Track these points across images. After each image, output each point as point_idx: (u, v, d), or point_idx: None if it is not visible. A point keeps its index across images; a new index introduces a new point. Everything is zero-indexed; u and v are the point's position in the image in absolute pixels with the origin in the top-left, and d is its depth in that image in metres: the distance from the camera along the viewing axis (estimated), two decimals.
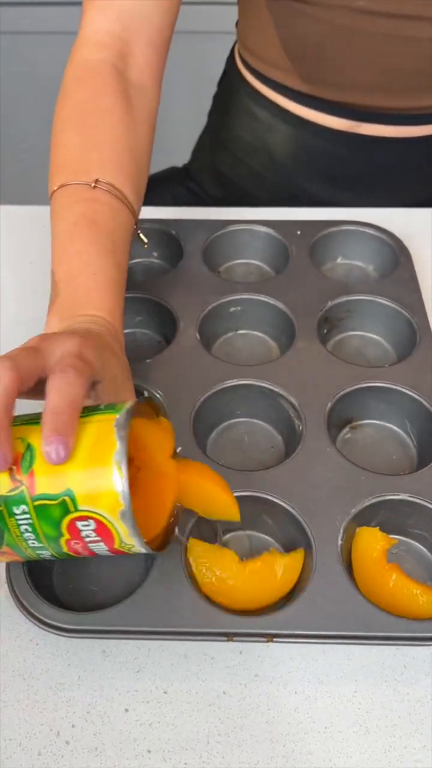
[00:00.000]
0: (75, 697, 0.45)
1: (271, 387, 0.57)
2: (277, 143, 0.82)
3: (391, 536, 0.51)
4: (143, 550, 0.39)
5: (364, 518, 0.50)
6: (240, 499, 0.50)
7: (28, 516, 0.37)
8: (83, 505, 0.37)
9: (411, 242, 0.71)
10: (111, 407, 0.39)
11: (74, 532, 0.38)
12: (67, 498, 0.36)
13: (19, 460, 0.37)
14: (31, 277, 0.71)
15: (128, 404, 0.39)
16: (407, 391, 0.56)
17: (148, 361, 0.59)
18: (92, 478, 0.36)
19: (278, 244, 0.70)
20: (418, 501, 0.50)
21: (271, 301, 0.64)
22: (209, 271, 0.67)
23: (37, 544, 0.39)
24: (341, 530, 0.48)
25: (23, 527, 0.38)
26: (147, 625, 0.44)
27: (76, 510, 0.37)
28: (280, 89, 0.78)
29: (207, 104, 0.96)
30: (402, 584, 0.46)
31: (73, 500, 0.37)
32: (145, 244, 0.62)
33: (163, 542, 0.42)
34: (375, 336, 0.65)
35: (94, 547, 0.39)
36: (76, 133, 0.57)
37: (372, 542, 0.48)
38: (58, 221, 0.54)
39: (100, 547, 0.39)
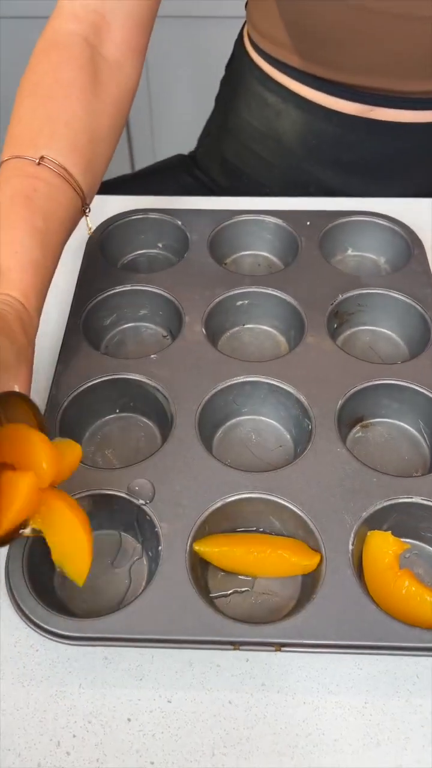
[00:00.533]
0: (76, 705, 0.43)
1: (280, 384, 0.55)
2: (285, 129, 0.80)
3: (403, 540, 0.49)
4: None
5: (375, 521, 0.48)
6: (247, 501, 0.49)
7: None
8: None
9: (424, 233, 0.69)
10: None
11: None
12: None
13: None
14: None
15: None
16: (421, 389, 0.55)
17: (153, 356, 0.57)
18: None
19: (287, 235, 0.68)
20: (431, 503, 0.48)
21: (280, 294, 0.62)
22: (215, 262, 0.65)
23: None
24: (352, 534, 0.46)
25: None
26: (151, 632, 0.42)
27: None
28: (290, 72, 0.76)
29: (214, 91, 0.94)
30: (415, 591, 0.45)
31: None
32: (89, 229, 0.60)
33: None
34: (387, 331, 0.63)
35: None
36: (31, 106, 0.55)
37: (384, 547, 0.47)
38: None
39: None
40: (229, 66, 0.90)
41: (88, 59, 0.56)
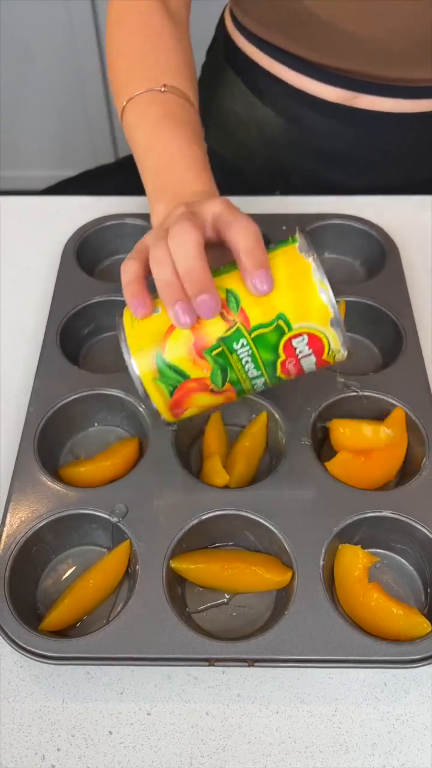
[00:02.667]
0: (60, 720, 0.45)
1: (254, 398, 0.56)
2: (268, 116, 0.79)
3: (373, 550, 0.51)
4: (345, 357, 0.45)
5: (346, 534, 0.50)
6: (223, 517, 0.50)
7: (247, 348, 0.43)
8: (296, 323, 0.42)
9: (402, 232, 0.69)
10: (280, 243, 0.44)
11: (290, 351, 0.43)
12: (280, 321, 0.42)
13: (226, 304, 0.43)
14: None
15: (297, 235, 0.44)
16: (394, 401, 0.56)
17: None
18: (300, 298, 0.42)
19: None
20: (400, 517, 0.50)
21: None
22: None
23: (255, 373, 0.44)
24: (323, 550, 0.48)
25: (244, 359, 0.43)
26: (129, 651, 0.44)
27: (290, 330, 0.43)
28: (274, 53, 0.75)
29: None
30: (383, 604, 0.47)
31: (287, 322, 0.42)
32: None
33: None
34: (361, 337, 0.64)
35: (304, 362, 0.44)
36: (135, 51, 0.63)
37: (354, 561, 0.48)
38: (138, 126, 0.58)
39: (310, 362, 0.45)
40: (211, 51, 0.89)
41: (165, 10, 0.65)
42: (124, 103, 0.59)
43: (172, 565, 0.48)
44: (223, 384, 0.44)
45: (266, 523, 0.49)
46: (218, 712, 0.45)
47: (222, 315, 0.43)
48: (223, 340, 0.43)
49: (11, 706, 0.46)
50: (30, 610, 0.48)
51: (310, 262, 0.42)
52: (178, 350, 0.43)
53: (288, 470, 0.52)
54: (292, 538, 0.49)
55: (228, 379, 0.44)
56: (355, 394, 0.56)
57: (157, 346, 0.44)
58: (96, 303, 0.63)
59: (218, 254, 0.45)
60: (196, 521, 0.49)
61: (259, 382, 0.45)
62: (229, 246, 0.43)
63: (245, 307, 0.42)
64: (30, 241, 0.73)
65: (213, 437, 0.55)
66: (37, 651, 0.44)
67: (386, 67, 0.69)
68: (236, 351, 0.43)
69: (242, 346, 0.43)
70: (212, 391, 0.45)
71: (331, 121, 0.76)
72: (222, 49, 0.83)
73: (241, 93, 0.81)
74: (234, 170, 0.86)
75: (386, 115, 0.73)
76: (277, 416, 0.55)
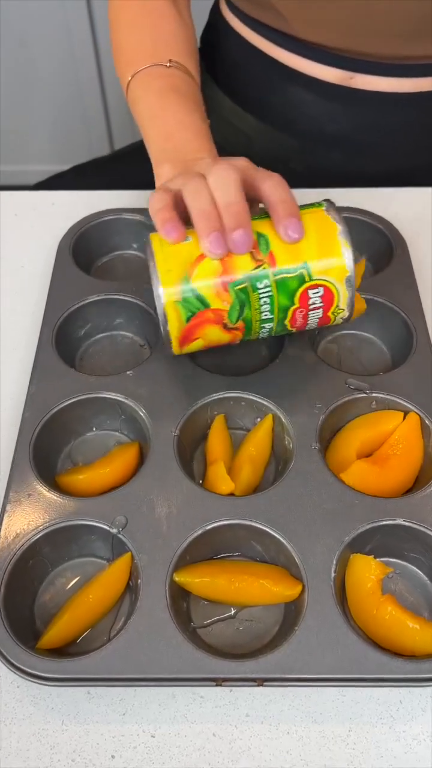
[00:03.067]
0: (59, 743, 0.43)
1: (260, 399, 0.54)
2: (265, 99, 0.77)
3: (386, 559, 0.49)
4: (344, 319, 0.49)
5: (358, 544, 0.47)
6: (228, 527, 0.48)
7: (269, 289, 0.46)
8: (317, 275, 0.46)
9: (410, 225, 0.67)
10: (308, 205, 0.47)
11: (304, 300, 0.46)
12: (304, 271, 0.45)
13: (257, 245, 0.45)
14: None
15: (323, 200, 0.48)
16: (406, 403, 0.53)
17: (129, 373, 0.56)
18: (324, 252, 0.45)
19: None
20: (414, 525, 0.47)
21: None
22: None
23: (268, 316, 0.47)
24: (334, 561, 0.46)
25: (263, 300, 0.46)
26: (132, 671, 0.42)
27: (311, 280, 0.46)
28: (270, 35, 0.72)
29: None
30: (397, 618, 0.44)
31: (309, 272, 0.45)
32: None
33: None
34: (369, 335, 0.62)
35: (311, 315, 0.48)
36: (139, 30, 0.65)
37: (366, 572, 0.46)
38: (142, 99, 0.60)
39: (316, 315, 0.48)
40: (205, 35, 0.87)
41: None
42: (129, 78, 0.61)
43: (176, 578, 0.45)
44: (237, 320, 0.47)
45: (274, 533, 0.47)
46: (226, 734, 0.43)
47: (251, 254, 0.45)
48: (249, 278, 0.45)
49: (8, 729, 0.43)
50: (27, 627, 0.46)
51: (338, 224, 0.46)
52: (205, 278, 0.45)
53: (296, 476, 0.50)
54: (301, 549, 0.46)
55: (242, 316, 0.46)
56: (364, 395, 0.54)
57: (185, 271, 0.45)
58: (93, 302, 0.61)
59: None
60: (200, 532, 0.47)
61: (267, 326, 0.48)
62: (263, 197, 0.46)
63: (274, 250, 0.45)
64: (25, 236, 0.71)
65: (217, 442, 0.53)
66: (34, 672, 0.42)
67: (381, 45, 0.67)
68: (258, 290, 0.45)
69: (265, 286, 0.45)
70: (225, 326, 0.47)
71: (328, 103, 0.73)
72: (216, 33, 0.81)
73: (236, 77, 0.78)
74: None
75: (386, 95, 0.71)
76: (283, 419, 0.53)
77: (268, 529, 0.47)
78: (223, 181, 0.45)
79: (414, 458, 0.51)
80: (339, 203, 0.68)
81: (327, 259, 0.45)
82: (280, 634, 0.46)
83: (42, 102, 1.68)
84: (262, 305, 0.46)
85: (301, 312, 0.47)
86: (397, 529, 0.48)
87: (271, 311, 0.47)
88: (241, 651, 0.45)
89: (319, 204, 0.48)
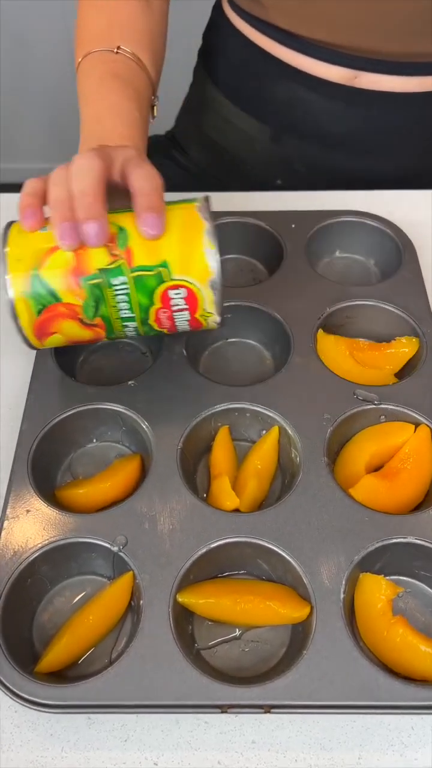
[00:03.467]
0: None
1: (265, 411, 0.52)
2: (268, 99, 0.75)
3: (396, 577, 0.47)
4: (217, 323, 0.47)
5: (367, 563, 0.46)
6: (233, 545, 0.46)
7: (125, 287, 0.44)
8: (177, 275, 0.43)
9: (418, 229, 0.65)
10: (183, 201, 0.45)
11: (166, 300, 0.44)
12: (162, 269, 0.43)
13: (115, 239, 0.43)
14: None
15: (200, 196, 0.45)
16: (416, 415, 0.52)
17: (130, 383, 0.54)
18: (186, 252, 0.43)
19: (271, 238, 0.64)
20: (426, 543, 0.46)
21: (264, 308, 0.58)
22: None
23: (128, 314, 0.45)
24: (343, 582, 0.44)
25: (119, 297, 0.44)
26: (134, 698, 0.40)
27: (171, 279, 0.44)
28: (273, 33, 0.71)
29: (191, 63, 0.87)
30: (409, 641, 0.43)
31: (169, 271, 0.43)
32: (153, 117, 0.63)
33: None
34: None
35: (177, 316, 0.46)
36: (97, 12, 0.64)
37: (376, 592, 0.45)
38: (85, 81, 0.59)
39: (183, 317, 0.46)
40: (207, 34, 0.85)
41: None
42: (79, 60, 0.60)
43: (180, 599, 0.44)
44: (94, 317, 0.45)
45: (281, 552, 0.45)
46: (231, 761, 0.42)
47: (108, 248, 0.43)
48: (104, 272, 0.43)
49: (5, 756, 0.42)
50: (25, 649, 0.44)
51: (205, 223, 0.44)
52: (55, 270, 0.43)
53: (303, 491, 0.48)
54: (309, 568, 0.45)
55: (99, 312, 0.45)
56: (373, 406, 0.52)
57: (35, 262, 0.43)
58: None
59: (127, 203, 0.45)
60: (204, 550, 0.45)
61: (131, 325, 0.46)
62: (130, 189, 0.44)
63: (132, 246, 0.43)
64: None
65: (221, 455, 0.51)
66: (33, 699, 0.40)
67: (389, 41, 0.65)
68: (114, 286, 0.44)
69: (121, 283, 0.43)
70: (82, 321, 0.45)
71: (332, 103, 0.72)
72: (218, 32, 0.80)
73: (239, 76, 0.76)
74: (236, 160, 0.82)
75: (390, 94, 0.69)
76: (289, 431, 0.51)
77: (274, 548, 0.46)
78: (80, 170, 0.43)
79: (425, 472, 0.50)
80: (343, 206, 0.67)
81: (188, 260, 0.43)
82: (287, 657, 0.44)
83: (40, 101, 1.66)
84: (119, 302, 0.44)
85: (164, 312, 0.45)
86: (409, 547, 0.46)
87: (131, 309, 0.45)
88: (247, 674, 0.44)
89: (192, 200, 0.45)
